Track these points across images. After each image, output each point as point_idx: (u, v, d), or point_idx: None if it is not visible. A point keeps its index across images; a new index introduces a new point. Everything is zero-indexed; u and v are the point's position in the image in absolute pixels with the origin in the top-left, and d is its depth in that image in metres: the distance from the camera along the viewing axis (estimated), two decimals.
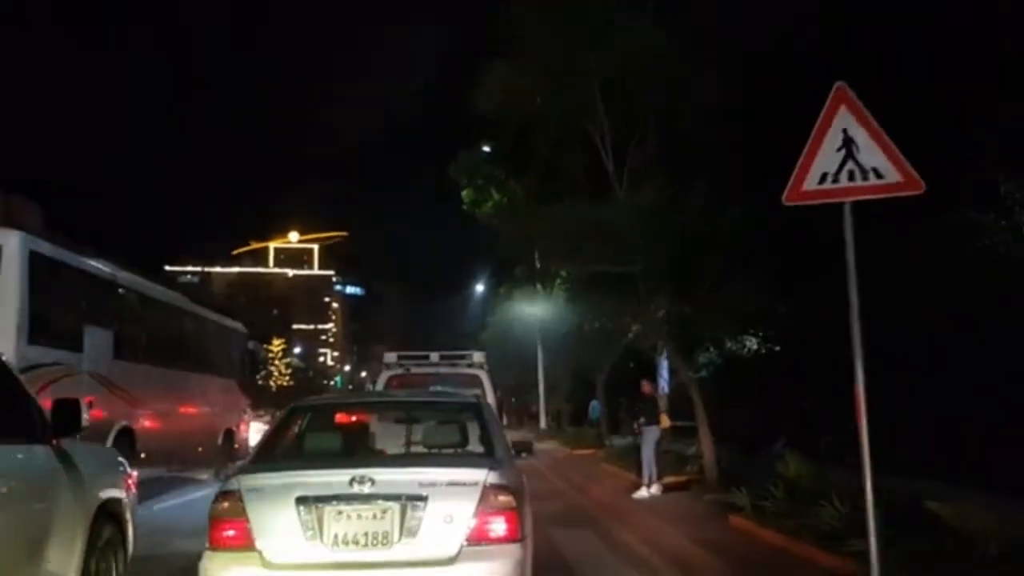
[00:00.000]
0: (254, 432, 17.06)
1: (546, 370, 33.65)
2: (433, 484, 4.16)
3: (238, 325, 18.84)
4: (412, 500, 4.09)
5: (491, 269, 42.38)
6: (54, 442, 4.66)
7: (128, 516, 5.38)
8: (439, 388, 9.87)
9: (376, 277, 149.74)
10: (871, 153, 5.31)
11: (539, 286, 31.64)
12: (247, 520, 4.09)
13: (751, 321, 11.69)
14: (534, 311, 31.29)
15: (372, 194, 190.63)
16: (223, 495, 4.24)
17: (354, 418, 6.17)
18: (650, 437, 12.01)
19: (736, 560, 7.08)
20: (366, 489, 4.10)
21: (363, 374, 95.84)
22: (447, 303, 62.05)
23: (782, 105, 13.14)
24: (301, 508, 4.07)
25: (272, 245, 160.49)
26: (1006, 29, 9.77)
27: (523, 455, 6.35)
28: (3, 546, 3.92)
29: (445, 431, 5.03)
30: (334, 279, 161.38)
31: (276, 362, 77.89)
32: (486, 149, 31.09)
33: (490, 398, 10.48)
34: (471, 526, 4.10)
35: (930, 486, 8.22)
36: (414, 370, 11.50)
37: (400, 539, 4.06)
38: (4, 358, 4.70)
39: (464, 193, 30.58)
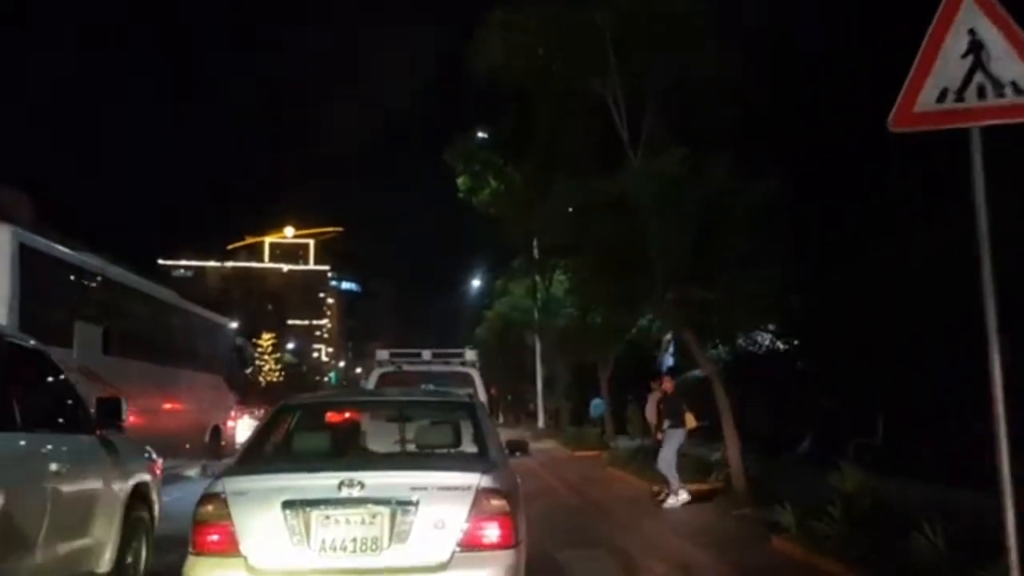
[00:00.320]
0: (243, 429, 17.03)
1: (544, 365, 32.12)
2: (424, 488, 4.00)
3: (226, 321, 18.99)
4: (403, 505, 3.94)
5: (488, 264, 40.98)
6: (98, 433, 5.48)
7: (154, 497, 6.13)
8: (430, 387, 9.75)
9: (372, 273, 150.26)
10: (1008, 61, 3.87)
11: (538, 278, 30.25)
12: (231, 524, 3.95)
13: (779, 308, 10.24)
14: (532, 303, 29.96)
15: (369, 190, 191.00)
16: (207, 498, 4.08)
17: (344, 417, 5.95)
18: (674, 440, 10.64)
19: None
20: (355, 493, 3.95)
21: (358, 370, 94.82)
22: (443, 299, 60.92)
23: (813, 77, 11.81)
24: (288, 512, 3.94)
25: (267, 240, 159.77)
26: None
27: (517, 454, 6.06)
28: (61, 516, 4.65)
29: (438, 431, 4.95)
30: (329, 275, 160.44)
31: (266, 357, 75.94)
32: (483, 135, 29.91)
33: (482, 396, 10.24)
34: (463, 531, 3.95)
35: None
36: (406, 368, 11.33)
37: (390, 545, 3.92)
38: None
39: (460, 180, 29.26)
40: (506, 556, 4.01)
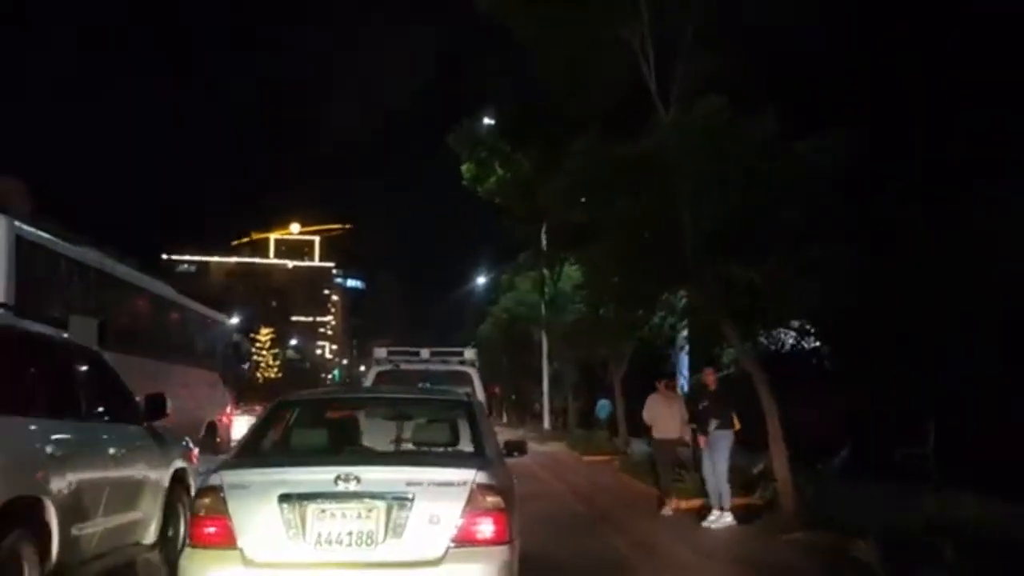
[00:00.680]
0: (240, 427, 16.88)
1: (551, 363, 30.46)
2: (420, 483, 4.03)
3: (223, 317, 19.13)
4: (398, 499, 3.97)
5: (494, 259, 39.39)
6: (145, 424, 6.31)
7: (191, 481, 6.64)
8: (427, 385, 9.57)
9: (378, 271, 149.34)
10: None
11: (546, 271, 28.63)
12: (228, 517, 3.98)
13: (849, 290, 8.54)
14: (539, 298, 28.32)
15: (375, 188, 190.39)
16: (204, 491, 4.15)
17: (342, 414, 5.86)
18: (723, 445, 8.92)
19: None
20: (351, 487, 3.98)
21: (362, 368, 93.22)
22: (449, 297, 59.60)
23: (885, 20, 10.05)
24: (284, 506, 3.97)
25: (272, 236, 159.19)
26: None
27: (515, 455, 5.83)
28: (117, 492, 5.43)
29: (435, 429, 5.05)
30: (334, 271, 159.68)
31: (264, 352, 74.03)
32: (489, 121, 28.37)
33: (480, 396, 10.09)
34: (458, 527, 3.97)
35: None
36: (404, 366, 11.22)
37: (385, 539, 3.95)
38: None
39: (464, 168, 27.69)
40: (500, 552, 4.01)
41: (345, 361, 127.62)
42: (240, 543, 3.95)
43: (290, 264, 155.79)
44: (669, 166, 8.36)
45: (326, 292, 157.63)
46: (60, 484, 4.68)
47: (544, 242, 27.48)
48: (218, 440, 15.92)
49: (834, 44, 9.37)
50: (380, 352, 11.84)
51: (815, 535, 7.52)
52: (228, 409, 17.71)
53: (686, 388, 22.56)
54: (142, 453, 6.01)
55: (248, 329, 69.59)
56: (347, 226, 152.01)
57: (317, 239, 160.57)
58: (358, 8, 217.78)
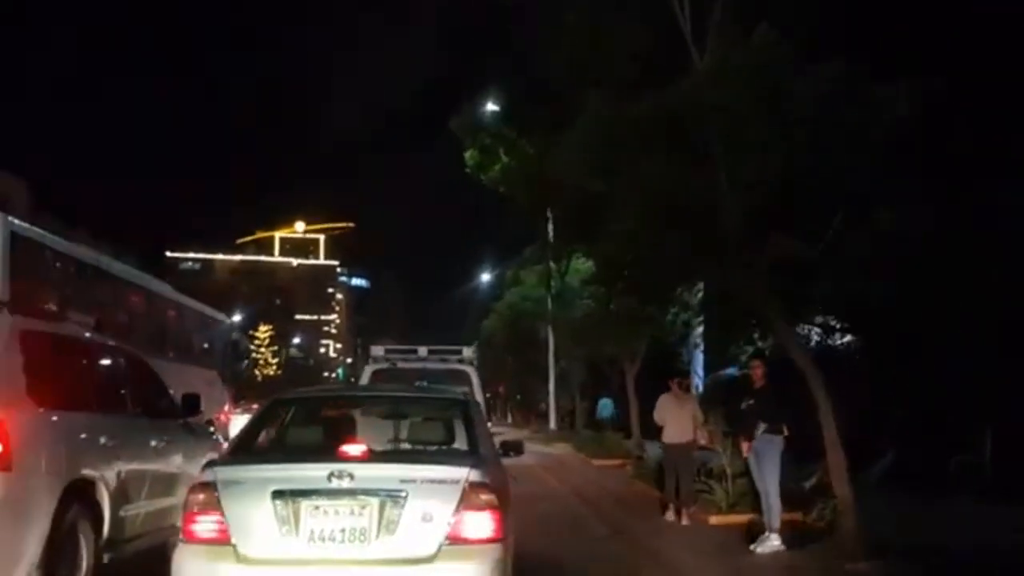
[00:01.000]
0: (237, 424, 16.58)
1: (557, 361, 29.00)
2: (413, 481, 4.01)
3: (221, 315, 19.15)
4: (391, 497, 3.97)
5: (499, 255, 37.94)
6: (182, 420, 6.93)
7: None
8: (424, 384, 9.22)
9: (382, 269, 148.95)
10: None
11: (552, 265, 27.23)
12: (222, 513, 3.98)
13: (930, 264, 7.08)
14: (545, 292, 26.92)
15: (380, 187, 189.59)
16: (198, 487, 4.14)
17: (337, 412, 5.79)
18: (771, 452, 7.47)
19: None
20: (345, 484, 3.97)
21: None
22: (454, 295, 58.42)
23: None
24: (277, 502, 3.96)
25: (277, 235, 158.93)
26: None
27: (511, 455, 5.60)
28: (157, 479, 6.02)
29: (430, 427, 5.19)
30: (339, 270, 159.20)
31: (263, 350, 72.38)
32: (492, 107, 27.01)
33: (478, 395, 9.95)
34: (451, 524, 3.95)
35: None
36: (400, 364, 11.06)
37: (378, 536, 3.93)
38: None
39: (468, 154, 26.27)
40: (493, 550, 3.99)
41: (349, 360, 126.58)
42: (233, 539, 3.94)
43: (295, 262, 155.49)
44: (705, 119, 6.92)
45: (330, 291, 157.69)
46: (111, 470, 5.34)
47: (551, 233, 26.13)
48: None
49: None
50: (377, 350, 11.70)
51: (885, 566, 6.12)
52: (226, 407, 17.66)
53: (700, 388, 21.24)
54: (178, 445, 6.57)
55: (248, 327, 68.34)
56: (351, 224, 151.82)
57: (322, 238, 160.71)
58: (359, 6, 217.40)
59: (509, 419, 56.19)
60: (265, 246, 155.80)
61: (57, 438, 4.93)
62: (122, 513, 5.44)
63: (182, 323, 15.95)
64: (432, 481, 4.01)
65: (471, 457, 4.39)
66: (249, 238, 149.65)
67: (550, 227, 26.44)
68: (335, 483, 3.94)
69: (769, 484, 7.38)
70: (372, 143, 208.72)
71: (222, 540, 3.93)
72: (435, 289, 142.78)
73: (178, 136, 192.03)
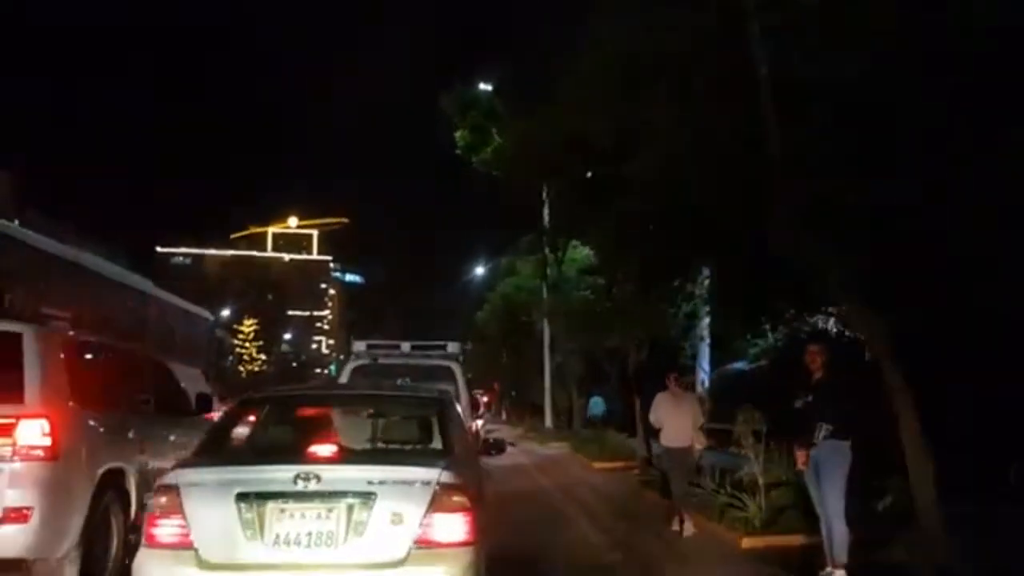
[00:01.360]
0: None
1: (553, 356, 27.39)
2: (383, 482, 3.90)
3: (205, 312, 18.82)
4: (359, 499, 3.85)
5: (492, 251, 36.20)
6: (197, 416, 7.57)
7: None
8: (407, 381, 9.30)
9: (376, 266, 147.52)
10: None
11: (547, 251, 25.64)
12: (184, 517, 3.87)
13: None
14: (540, 281, 25.34)
15: (374, 184, 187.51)
16: (160, 490, 4.03)
17: (312, 412, 5.66)
18: (838, 462, 5.79)
19: None
20: (311, 486, 3.86)
21: None
22: (449, 292, 56.98)
23: None
24: (242, 505, 3.85)
25: (270, 230, 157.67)
26: None
27: (492, 453, 5.60)
28: None
29: (404, 427, 5.03)
30: (332, 265, 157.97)
31: (248, 344, 70.07)
32: (485, 87, 25.46)
33: (462, 392, 9.92)
34: (421, 527, 3.83)
35: None
36: (382, 360, 10.71)
37: (346, 539, 3.83)
38: None
39: (458, 135, 24.73)
40: (464, 554, 3.88)
41: (342, 356, 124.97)
42: (196, 544, 3.83)
43: (287, 257, 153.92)
44: (751, 28, 5.34)
45: (323, 286, 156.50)
46: (137, 461, 6.10)
47: (546, 219, 24.57)
48: None
49: None
50: (359, 346, 11.35)
51: None
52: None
53: (706, 383, 19.67)
54: (193, 439, 6.61)
55: (237, 322, 66.46)
56: (345, 220, 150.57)
57: (315, 233, 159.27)
58: (356, 3, 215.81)
59: (504, 416, 54.67)
60: (258, 242, 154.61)
61: (94, 434, 5.66)
62: (146, 499, 5.63)
63: (163, 320, 15.63)
64: (402, 482, 3.89)
65: (443, 457, 4.26)
66: (242, 233, 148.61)
67: (546, 213, 24.91)
68: (301, 485, 3.82)
69: (832, 505, 5.73)
70: (368, 139, 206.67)
71: (184, 544, 3.82)
72: (430, 286, 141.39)
73: (174, 133, 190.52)
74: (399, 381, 9.27)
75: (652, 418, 9.01)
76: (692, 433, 8.66)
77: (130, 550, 5.18)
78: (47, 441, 5.06)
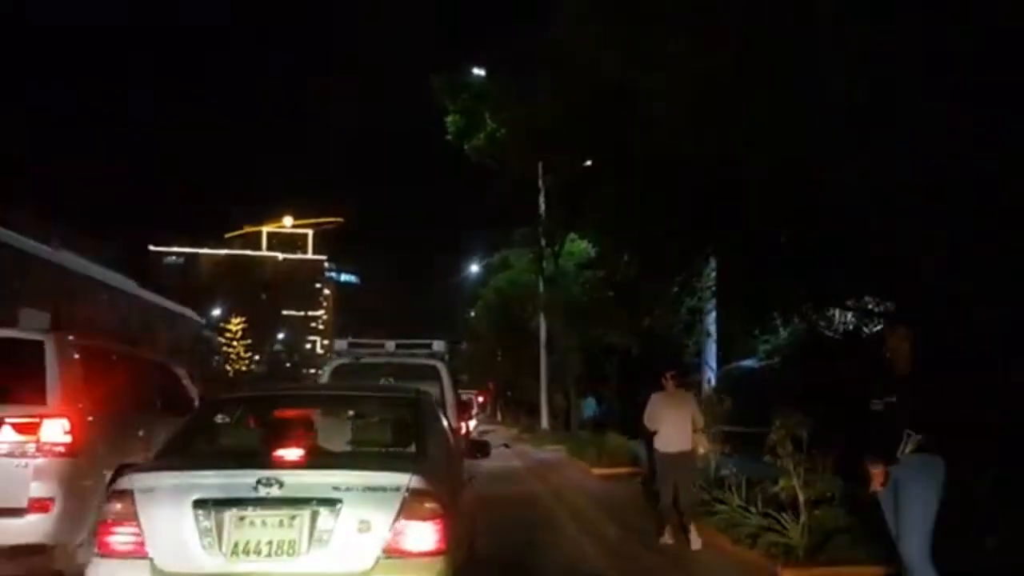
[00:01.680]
0: None
1: (550, 354, 26.03)
2: (349, 488, 3.68)
3: (191, 312, 18.84)
4: (324, 505, 3.63)
5: (488, 249, 34.85)
6: None
7: None
8: (390, 380, 8.89)
9: (372, 265, 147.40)
10: None
11: (544, 243, 24.27)
12: (138, 524, 3.68)
13: None
14: (537, 275, 24.00)
15: (371, 184, 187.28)
16: (114, 495, 3.82)
17: (283, 413, 5.19)
18: (926, 482, 4.35)
19: None
20: (273, 492, 3.65)
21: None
22: (443, 292, 55.87)
23: None
24: (199, 512, 3.64)
25: (265, 229, 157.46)
26: None
27: (478, 456, 5.44)
28: None
29: (377, 428, 4.77)
30: (327, 265, 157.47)
31: (235, 343, 68.35)
32: (479, 72, 24.13)
33: (448, 392, 9.15)
34: (389, 536, 3.63)
35: None
36: (365, 360, 10.19)
37: (309, 549, 3.61)
38: None
39: (449, 119, 23.41)
40: (435, 563, 3.67)
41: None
42: (150, 552, 3.65)
43: (280, 256, 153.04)
44: None
45: (317, 286, 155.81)
46: (145, 457, 5.79)
47: (543, 207, 23.27)
48: None
49: None
50: (340, 344, 10.97)
51: None
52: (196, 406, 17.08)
53: (712, 382, 18.28)
54: None
55: (222, 320, 65.02)
56: (340, 220, 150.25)
57: (310, 233, 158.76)
58: (357, 3, 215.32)
59: (499, 417, 53.33)
60: (253, 241, 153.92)
61: (107, 432, 6.13)
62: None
63: (146, 320, 15.68)
64: (369, 488, 3.68)
65: (416, 461, 4.05)
66: (237, 233, 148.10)
67: (542, 202, 23.60)
68: (263, 491, 3.63)
69: (916, 542, 4.30)
70: (365, 138, 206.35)
71: (138, 553, 3.65)
72: (426, 286, 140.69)
73: (170, 131, 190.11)
74: (382, 381, 8.99)
75: (647, 420, 8.17)
76: (692, 436, 7.94)
77: None
78: (67, 439, 5.65)
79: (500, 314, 28.45)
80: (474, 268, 39.89)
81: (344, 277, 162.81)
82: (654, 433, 8.12)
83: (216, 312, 65.01)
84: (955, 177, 4.72)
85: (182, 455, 4.40)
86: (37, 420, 5.60)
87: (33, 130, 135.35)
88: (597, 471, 14.81)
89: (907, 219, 5.51)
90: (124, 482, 3.84)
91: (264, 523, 3.61)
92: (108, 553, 3.69)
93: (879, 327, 12.77)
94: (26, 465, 5.51)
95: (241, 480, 3.67)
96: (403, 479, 3.68)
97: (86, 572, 3.77)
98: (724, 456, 9.58)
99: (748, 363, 20.76)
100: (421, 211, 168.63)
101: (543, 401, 27.04)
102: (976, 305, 5.90)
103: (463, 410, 15.61)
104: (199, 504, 3.62)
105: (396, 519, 3.60)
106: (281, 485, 3.62)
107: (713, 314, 16.14)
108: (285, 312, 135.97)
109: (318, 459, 4.40)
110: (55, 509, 5.50)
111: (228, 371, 50.15)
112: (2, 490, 5.47)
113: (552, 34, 10.04)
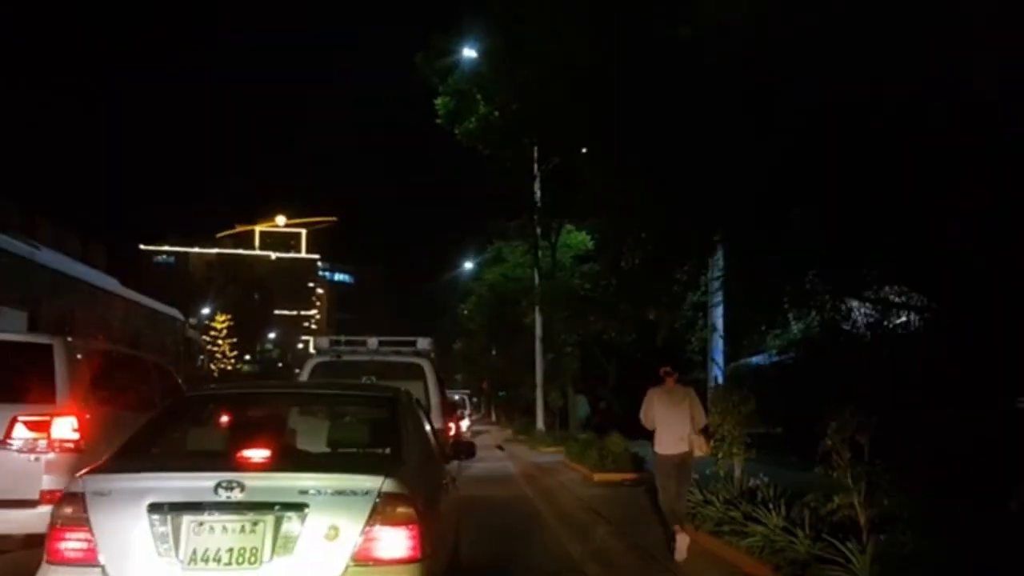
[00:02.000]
0: None
1: (546, 352, 24.94)
2: (317, 492, 3.52)
3: (175, 312, 19.02)
4: (289, 510, 3.48)
5: (482, 245, 33.81)
6: None
7: None
8: (372, 379, 8.88)
9: (366, 265, 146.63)
10: None
11: (539, 234, 23.22)
12: (90, 530, 3.51)
13: None
14: (531, 268, 22.91)
15: (365, 183, 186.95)
16: (64, 499, 3.63)
17: (252, 412, 5.14)
18: None
19: None
20: (234, 496, 3.48)
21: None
22: (438, 290, 54.95)
23: None
24: (155, 517, 3.49)
25: (258, 228, 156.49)
26: None
27: (462, 458, 5.38)
28: None
29: (352, 429, 4.61)
30: (320, 264, 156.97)
31: (220, 342, 67.06)
32: (470, 53, 22.98)
33: (432, 391, 9.18)
34: (359, 543, 3.46)
35: None
36: (346, 357, 10.04)
37: (272, 557, 3.44)
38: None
39: (439, 102, 22.25)
40: (409, 571, 3.52)
41: None
42: (102, 560, 3.49)
43: (273, 255, 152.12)
44: None
45: (311, 285, 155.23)
46: None
47: (538, 195, 22.22)
48: None
49: None
50: (321, 341, 11.06)
51: None
52: None
53: (720, 379, 17.17)
54: None
55: (207, 320, 63.84)
56: (334, 219, 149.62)
57: (303, 232, 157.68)
58: (356, 3, 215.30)
59: (493, 417, 52.28)
60: (246, 240, 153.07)
61: (111, 430, 6.23)
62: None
63: (130, 319, 15.77)
64: (338, 492, 3.50)
65: (389, 464, 3.86)
66: (229, 232, 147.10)
67: (537, 188, 22.55)
68: (223, 495, 3.46)
69: None
70: (361, 138, 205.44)
71: (89, 560, 3.48)
72: (420, 285, 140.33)
73: (163, 129, 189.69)
74: (364, 379, 8.88)
75: (643, 418, 7.69)
76: (691, 437, 7.40)
77: None
78: (75, 436, 6.15)
79: (494, 307, 27.40)
80: (468, 265, 38.90)
81: (338, 276, 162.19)
82: (652, 432, 7.64)
83: (205, 311, 63.83)
84: None
85: (139, 456, 4.16)
86: (48, 418, 6.12)
87: (24, 127, 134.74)
88: (598, 476, 13.69)
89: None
90: (75, 484, 3.64)
91: (224, 529, 3.46)
92: (58, 560, 3.52)
93: (902, 319, 11.84)
94: (38, 460, 6.03)
95: (200, 483, 3.51)
96: (375, 482, 3.53)
97: None
98: (750, 462, 8.49)
99: (757, 359, 19.72)
100: (419, 211, 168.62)
101: (539, 401, 25.97)
102: None
103: (451, 410, 14.60)
104: (154, 508, 3.47)
105: (367, 525, 3.46)
106: (243, 488, 3.46)
107: (720, 308, 15.14)
108: (278, 312, 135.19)
109: (284, 461, 4.13)
110: None
111: (213, 370, 49.19)
112: (16, 483, 5.90)
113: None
